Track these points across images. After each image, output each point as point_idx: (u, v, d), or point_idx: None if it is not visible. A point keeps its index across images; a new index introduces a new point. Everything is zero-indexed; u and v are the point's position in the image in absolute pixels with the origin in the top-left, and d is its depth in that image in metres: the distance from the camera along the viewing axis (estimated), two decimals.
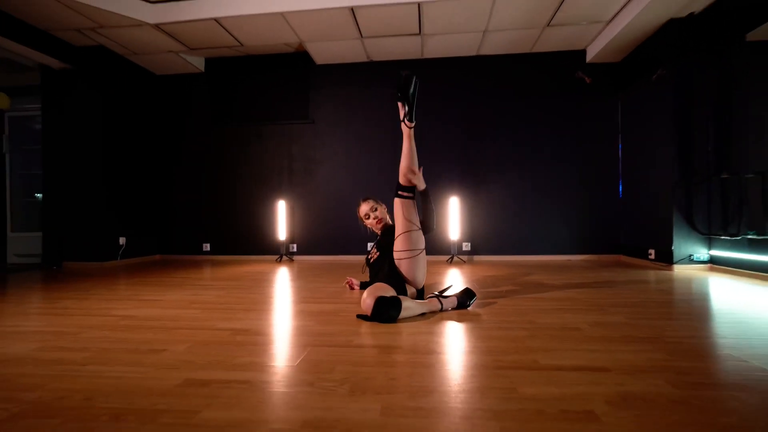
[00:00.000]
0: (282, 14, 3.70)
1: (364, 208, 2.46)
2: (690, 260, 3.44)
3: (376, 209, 2.43)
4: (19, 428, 0.90)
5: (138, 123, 4.78)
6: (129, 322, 1.85)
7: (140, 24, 3.79)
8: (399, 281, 2.06)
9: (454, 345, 1.48)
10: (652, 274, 3.23)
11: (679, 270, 3.42)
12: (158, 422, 0.92)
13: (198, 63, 4.87)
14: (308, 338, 1.58)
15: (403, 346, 1.47)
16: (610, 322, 1.77)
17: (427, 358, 1.34)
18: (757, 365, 1.24)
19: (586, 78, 4.48)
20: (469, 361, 1.30)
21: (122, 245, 4.39)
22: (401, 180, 2.11)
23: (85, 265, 4.14)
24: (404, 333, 1.63)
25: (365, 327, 1.72)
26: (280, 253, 4.68)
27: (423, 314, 1.90)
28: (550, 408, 0.97)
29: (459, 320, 1.82)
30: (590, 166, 4.53)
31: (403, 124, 2.10)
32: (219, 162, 5.01)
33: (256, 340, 1.56)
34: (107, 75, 4.33)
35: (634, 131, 4.25)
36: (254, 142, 4.96)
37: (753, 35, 3.32)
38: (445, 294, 2.06)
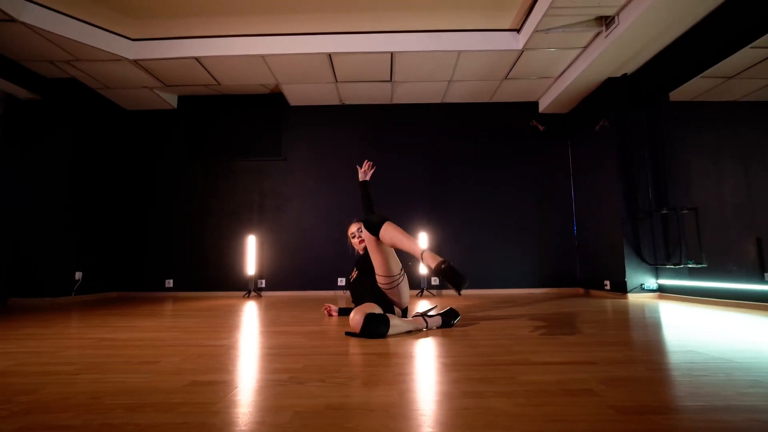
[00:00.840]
0: (263, 57, 3.90)
1: (353, 227, 2.54)
2: (642, 289, 3.75)
3: (363, 231, 2.51)
4: (29, 421, 0.87)
5: (105, 157, 4.67)
6: (110, 342, 1.77)
7: (119, 59, 3.84)
8: (386, 302, 2.13)
9: (449, 351, 1.54)
10: (609, 302, 3.47)
11: (633, 298, 3.70)
12: (178, 411, 0.92)
13: (170, 99, 4.92)
14: (303, 350, 1.59)
15: (401, 353, 1.52)
16: (584, 332, 1.91)
17: (427, 360, 1.40)
18: (715, 356, 1.41)
19: (540, 126, 4.96)
20: (468, 361, 1.37)
21: (78, 280, 4.12)
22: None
23: (34, 301, 3.82)
24: (398, 344, 1.68)
25: (357, 342, 1.75)
26: (248, 288, 4.55)
27: (409, 332, 1.96)
28: (552, 388, 1.06)
29: (447, 335, 1.89)
30: (546, 205, 4.90)
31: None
32: (188, 197, 4.93)
33: (252, 353, 1.55)
34: (77, 108, 4.27)
35: (583, 174, 4.70)
36: (225, 177, 4.96)
37: (676, 96, 3.91)
38: (430, 313, 2.13)
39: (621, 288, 3.85)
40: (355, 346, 1.66)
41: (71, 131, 4.18)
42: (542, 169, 4.96)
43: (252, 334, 1.99)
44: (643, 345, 1.62)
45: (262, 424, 0.84)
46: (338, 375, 1.21)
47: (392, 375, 1.20)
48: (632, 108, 3.98)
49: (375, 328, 1.81)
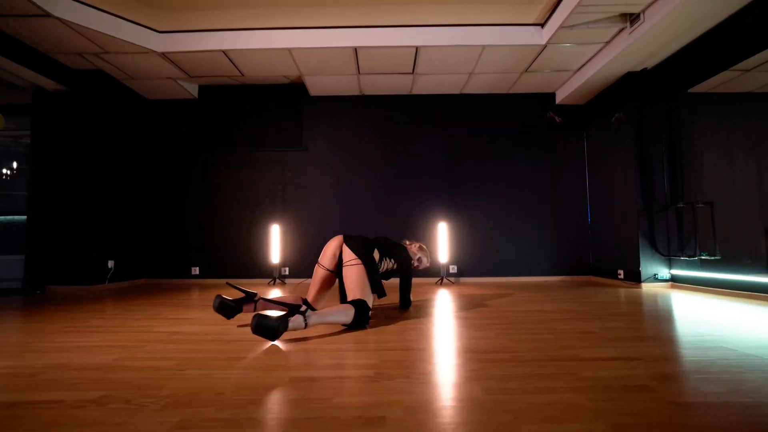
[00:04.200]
0: (289, 50, 3.95)
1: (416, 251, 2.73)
2: (655, 279, 3.93)
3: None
4: (185, 415, 1.02)
5: (128, 147, 4.75)
6: (180, 336, 1.92)
7: (147, 52, 3.88)
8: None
9: (503, 346, 1.70)
10: (626, 292, 3.65)
11: (647, 287, 3.88)
12: (302, 407, 1.07)
13: (192, 89, 4.97)
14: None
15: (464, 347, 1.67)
16: (617, 326, 2.08)
17: (481, 355, 1.55)
18: (747, 353, 1.58)
19: (557, 117, 5.05)
20: (525, 357, 1.53)
21: (111, 268, 4.27)
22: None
23: (71, 289, 3.99)
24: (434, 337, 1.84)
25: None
26: (273, 276, 4.73)
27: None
28: (613, 384, 1.22)
29: (490, 327, 2.05)
30: (561, 195, 5.03)
31: None
32: (210, 186, 5.04)
33: (334, 347, 1.71)
34: (102, 98, 4.33)
35: (598, 165, 4.82)
36: (246, 167, 5.06)
37: (694, 88, 3.99)
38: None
39: (635, 277, 4.03)
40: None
41: (97, 122, 4.26)
42: (557, 160, 5.07)
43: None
44: (675, 340, 1.78)
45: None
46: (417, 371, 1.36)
47: (466, 371, 1.36)
48: (651, 102, 4.07)
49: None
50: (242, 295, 2.30)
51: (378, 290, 2.21)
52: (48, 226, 4.10)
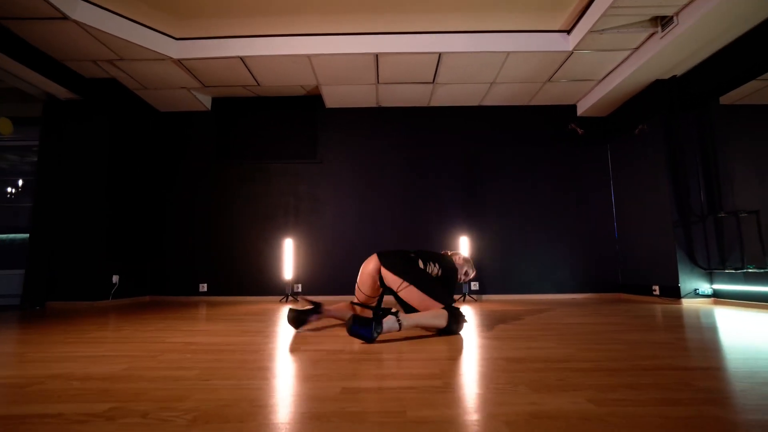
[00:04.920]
0: (309, 57, 3.84)
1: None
2: (696, 294, 3.65)
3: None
4: (222, 430, 0.78)
5: (138, 159, 4.60)
6: (198, 347, 1.68)
7: (163, 58, 3.78)
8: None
9: (571, 355, 1.45)
10: (668, 308, 3.37)
11: (688, 303, 3.61)
12: (370, 421, 0.83)
13: (205, 101, 4.86)
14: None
15: (531, 356, 1.43)
16: (689, 338, 1.83)
17: (551, 364, 1.31)
18: None
19: (579, 129, 4.90)
20: (613, 366, 1.28)
21: (115, 284, 4.03)
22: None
23: (73, 305, 3.74)
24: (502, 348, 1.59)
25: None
26: (285, 293, 4.47)
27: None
28: (748, 399, 0.98)
29: (544, 337, 1.81)
30: (585, 209, 4.81)
31: None
32: (220, 200, 4.85)
33: (379, 357, 1.47)
34: (115, 108, 4.21)
35: (623, 177, 4.62)
36: (260, 180, 4.89)
37: (723, 99, 3.84)
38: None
39: (673, 293, 3.75)
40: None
41: (108, 133, 4.12)
42: (581, 172, 4.89)
43: (344, 341, 1.90)
44: (727, 348, 1.54)
45: None
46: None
47: (552, 381, 1.12)
48: (681, 110, 3.91)
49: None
50: (310, 306, 2.23)
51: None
52: (52, 238, 3.89)
